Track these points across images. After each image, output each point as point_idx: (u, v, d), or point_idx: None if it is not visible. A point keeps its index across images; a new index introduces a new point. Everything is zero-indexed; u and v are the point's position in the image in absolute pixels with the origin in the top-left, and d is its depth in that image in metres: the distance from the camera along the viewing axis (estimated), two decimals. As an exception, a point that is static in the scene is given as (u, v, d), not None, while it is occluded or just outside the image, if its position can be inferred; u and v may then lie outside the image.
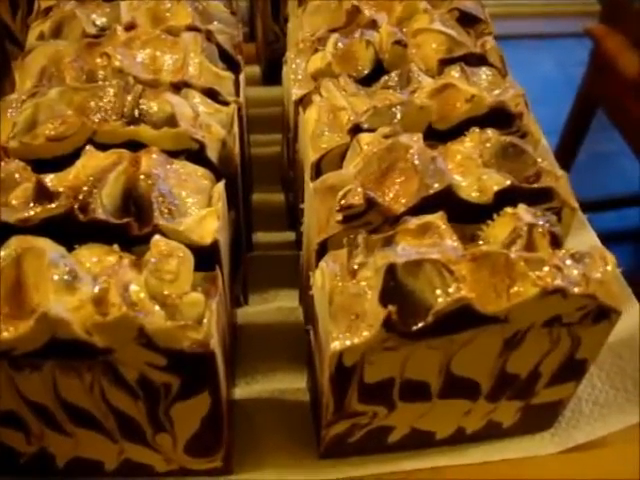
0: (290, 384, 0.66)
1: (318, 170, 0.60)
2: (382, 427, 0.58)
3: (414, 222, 0.52)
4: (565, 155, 1.74)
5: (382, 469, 0.61)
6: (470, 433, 0.61)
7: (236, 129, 0.61)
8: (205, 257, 0.52)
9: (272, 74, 0.94)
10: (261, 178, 0.81)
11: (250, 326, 0.70)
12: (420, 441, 0.61)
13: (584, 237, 0.71)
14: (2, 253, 0.49)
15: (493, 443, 0.63)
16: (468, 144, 0.57)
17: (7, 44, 0.94)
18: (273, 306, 0.72)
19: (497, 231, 0.53)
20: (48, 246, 0.48)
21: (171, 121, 0.58)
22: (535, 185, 0.56)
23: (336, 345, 0.49)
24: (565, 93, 1.81)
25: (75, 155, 0.56)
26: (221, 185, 0.56)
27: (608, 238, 0.71)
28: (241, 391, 0.65)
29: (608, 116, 1.63)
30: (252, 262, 0.73)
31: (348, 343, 0.49)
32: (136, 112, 0.58)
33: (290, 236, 0.78)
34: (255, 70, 0.97)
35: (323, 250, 0.55)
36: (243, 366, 0.66)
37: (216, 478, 0.60)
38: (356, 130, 0.59)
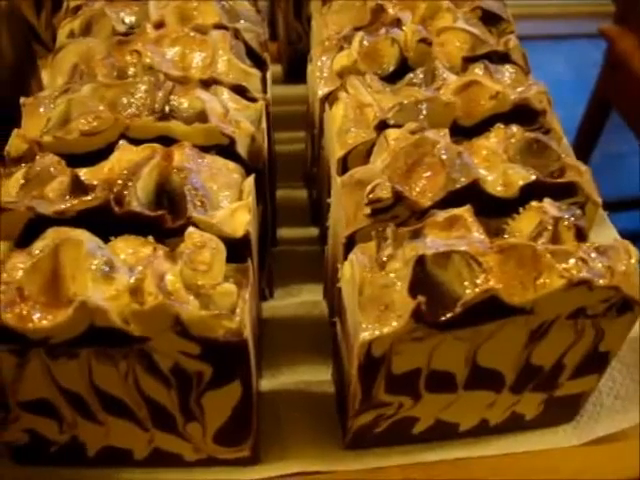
0: (315, 376, 0.67)
1: (344, 165, 0.61)
2: (407, 418, 0.59)
3: (442, 215, 0.53)
4: (579, 156, 1.73)
5: (406, 460, 0.62)
6: (493, 425, 0.62)
7: (264, 125, 0.62)
8: (236, 249, 0.53)
9: (294, 73, 0.95)
10: (283, 175, 0.82)
11: (275, 319, 0.71)
12: (444, 432, 0.62)
13: (605, 232, 0.72)
14: (39, 244, 0.51)
15: (516, 435, 0.63)
16: (493, 140, 0.59)
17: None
18: (297, 300, 0.73)
19: (523, 225, 0.54)
20: (85, 237, 0.50)
21: (201, 117, 0.59)
22: (559, 180, 0.57)
23: (365, 335, 0.50)
24: (578, 94, 1.81)
25: (107, 150, 0.58)
26: (251, 179, 0.57)
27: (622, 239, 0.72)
28: (267, 383, 0.66)
29: (622, 117, 1.64)
30: (276, 257, 0.75)
31: (377, 333, 0.50)
32: (167, 108, 0.59)
33: (313, 232, 0.80)
34: (276, 69, 0.98)
35: (350, 243, 0.56)
36: (268, 358, 0.68)
37: (243, 468, 0.61)
38: (382, 126, 0.60)
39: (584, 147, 1.76)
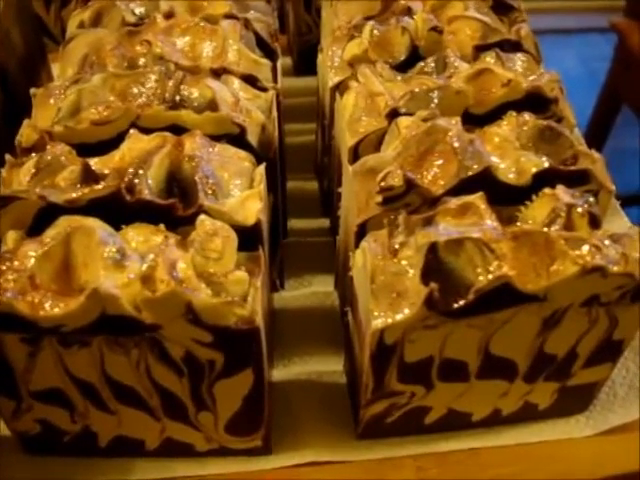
0: (326, 366, 0.67)
1: (355, 154, 0.61)
2: (420, 407, 0.59)
3: (454, 202, 0.53)
4: (589, 150, 1.73)
5: (419, 450, 0.61)
6: (506, 415, 0.62)
7: (275, 114, 0.62)
8: (248, 237, 0.53)
9: (303, 65, 0.95)
10: (294, 166, 0.82)
11: (286, 310, 0.71)
12: (457, 422, 0.61)
13: (618, 221, 0.72)
14: (51, 232, 0.51)
15: (529, 425, 0.63)
16: (505, 127, 0.58)
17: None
18: (308, 291, 0.73)
19: (536, 212, 0.53)
20: (97, 225, 0.50)
21: (212, 106, 0.59)
22: (572, 167, 0.56)
23: (378, 323, 0.50)
24: (589, 88, 1.81)
25: (117, 140, 0.58)
26: (262, 167, 0.57)
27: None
28: (279, 373, 0.66)
29: (633, 111, 1.63)
30: (287, 248, 0.74)
31: (390, 321, 0.50)
32: (177, 97, 0.59)
33: (324, 223, 0.80)
34: (286, 61, 0.97)
35: (362, 232, 0.56)
36: (280, 349, 0.67)
37: (255, 457, 0.61)
38: (393, 115, 0.60)
39: (595, 142, 1.74)
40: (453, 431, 0.62)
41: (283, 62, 0.94)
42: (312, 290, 0.73)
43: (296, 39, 0.95)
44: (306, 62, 0.90)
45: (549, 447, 0.63)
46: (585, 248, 0.50)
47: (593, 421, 0.64)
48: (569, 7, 2.37)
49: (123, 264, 0.48)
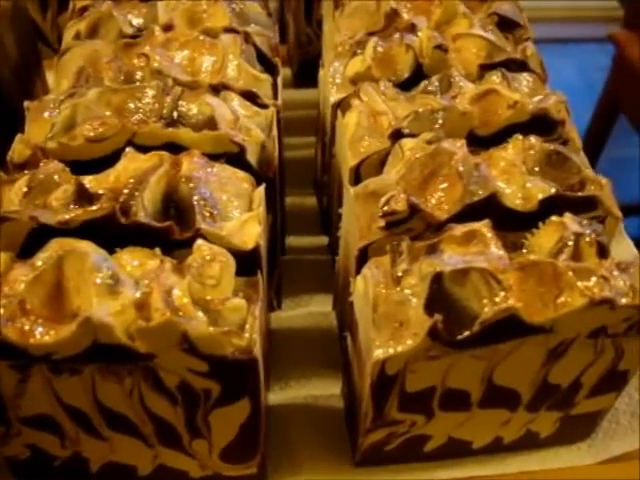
0: (324, 390, 0.65)
1: (357, 175, 0.59)
2: (419, 436, 0.57)
3: (459, 229, 0.51)
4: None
5: (418, 477, 0.60)
6: (507, 443, 0.60)
7: (275, 132, 0.60)
8: (246, 262, 0.51)
9: (303, 76, 0.93)
10: (292, 181, 0.80)
11: (283, 331, 0.70)
12: (456, 450, 0.60)
13: (622, 245, 0.70)
14: (42, 255, 0.49)
15: (530, 453, 0.62)
16: (511, 151, 0.57)
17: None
18: (306, 311, 0.72)
19: (542, 240, 0.52)
20: (90, 249, 0.48)
21: (210, 123, 0.57)
22: (580, 193, 0.55)
23: (379, 353, 0.48)
24: (586, 98, 1.80)
25: (112, 157, 0.56)
26: (262, 189, 0.55)
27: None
28: (275, 397, 0.65)
29: (630, 121, 1.62)
30: (285, 266, 0.73)
31: (391, 351, 0.48)
32: (175, 114, 0.58)
33: (323, 240, 0.78)
34: (285, 72, 0.96)
35: (364, 256, 0.54)
36: (276, 371, 0.66)
37: (250, 485, 0.59)
38: (397, 135, 0.58)
39: (592, 152, 1.74)
40: (453, 459, 0.61)
41: (282, 73, 0.93)
42: (310, 310, 0.72)
43: (296, 50, 0.93)
44: (306, 74, 0.89)
45: (551, 475, 0.62)
46: (593, 279, 0.49)
47: (595, 449, 0.63)
48: (567, 17, 2.36)
49: (117, 290, 0.47)
